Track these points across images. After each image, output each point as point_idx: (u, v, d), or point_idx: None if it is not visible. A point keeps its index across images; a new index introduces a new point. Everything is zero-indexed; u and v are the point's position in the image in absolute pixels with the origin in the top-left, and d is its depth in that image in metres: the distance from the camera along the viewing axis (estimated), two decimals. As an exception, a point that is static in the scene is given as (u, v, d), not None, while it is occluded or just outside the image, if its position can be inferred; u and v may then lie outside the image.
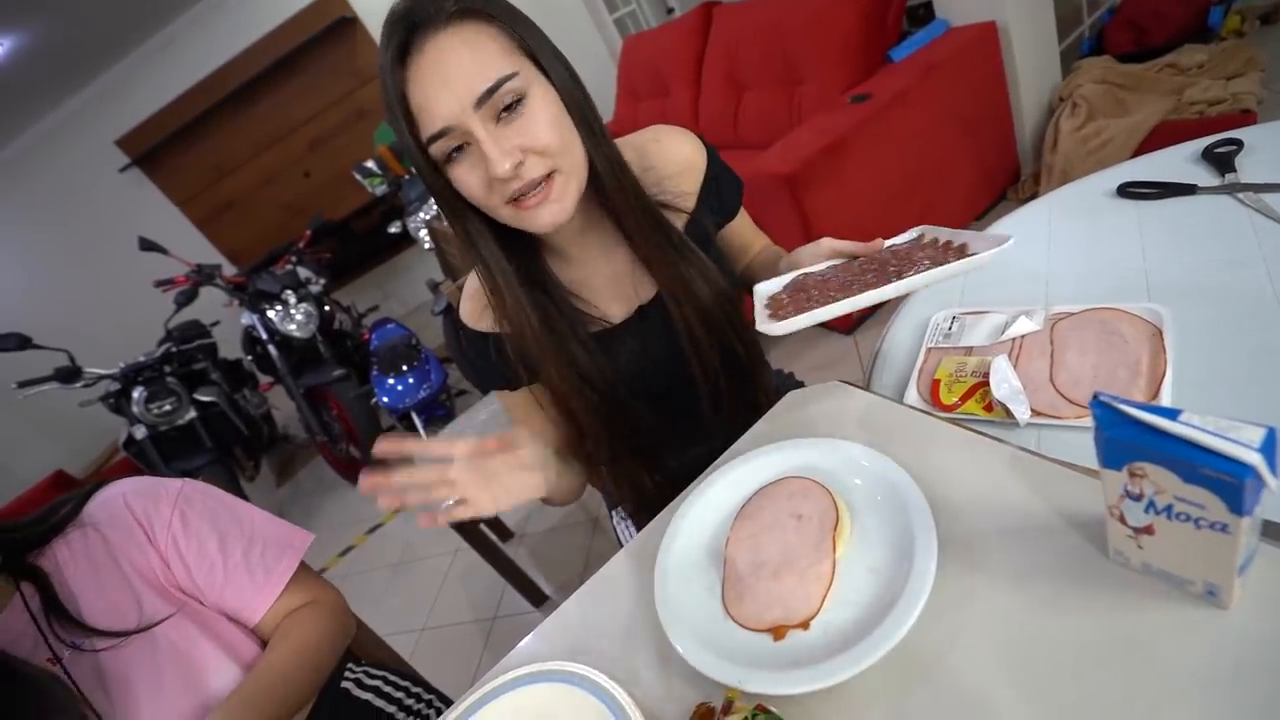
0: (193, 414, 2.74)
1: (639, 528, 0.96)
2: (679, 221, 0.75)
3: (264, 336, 2.71)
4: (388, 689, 0.88)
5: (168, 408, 2.69)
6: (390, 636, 2.09)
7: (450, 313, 0.81)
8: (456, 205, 0.63)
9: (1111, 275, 0.75)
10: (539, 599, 1.80)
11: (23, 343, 2.45)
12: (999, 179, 2.20)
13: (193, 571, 0.72)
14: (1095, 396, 0.37)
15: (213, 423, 2.84)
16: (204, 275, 2.67)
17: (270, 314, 2.70)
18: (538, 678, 0.56)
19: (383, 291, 4.62)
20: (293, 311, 2.71)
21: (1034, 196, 2.08)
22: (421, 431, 2.54)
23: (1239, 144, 0.81)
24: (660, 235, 0.71)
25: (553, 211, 0.61)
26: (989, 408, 0.67)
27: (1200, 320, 0.64)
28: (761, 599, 0.53)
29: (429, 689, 0.94)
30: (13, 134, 3.85)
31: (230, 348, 3.15)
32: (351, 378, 2.73)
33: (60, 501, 0.72)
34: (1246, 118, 1.71)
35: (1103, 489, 0.39)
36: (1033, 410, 0.64)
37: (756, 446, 0.65)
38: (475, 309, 0.74)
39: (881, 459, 0.56)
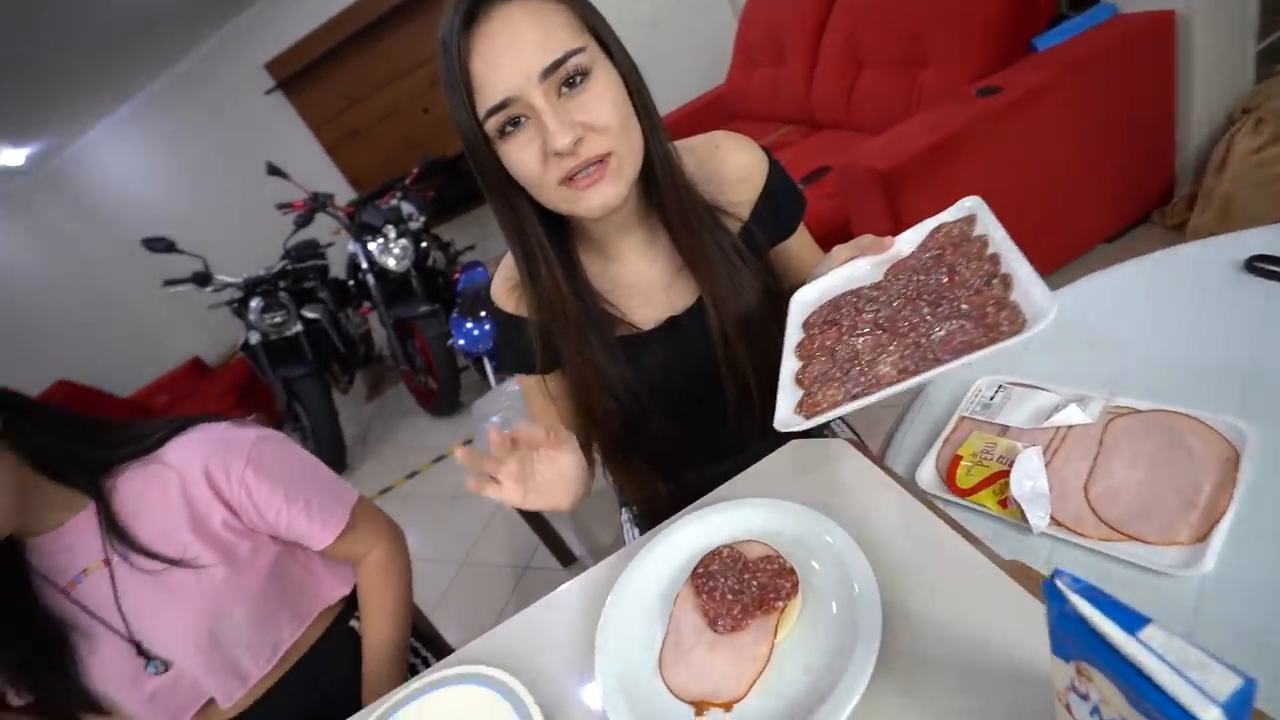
0: (299, 327, 3.01)
1: (644, 531, 0.97)
2: (732, 228, 0.72)
3: (364, 266, 2.91)
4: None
5: (278, 319, 2.96)
6: (433, 563, 2.26)
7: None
8: (504, 185, 0.62)
9: (1206, 371, 0.64)
10: (568, 559, 1.87)
11: (169, 246, 2.78)
12: (1145, 197, 1.91)
13: (263, 512, 0.80)
14: (1052, 576, 0.32)
15: (315, 337, 3.11)
16: (318, 203, 2.88)
17: (371, 246, 2.88)
18: (462, 679, 0.60)
19: (483, 230, 4.78)
20: (391, 246, 2.87)
21: (1183, 225, 1.81)
22: (491, 378, 2.66)
23: None
24: (709, 238, 0.68)
25: (605, 194, 0.59)
26: (1004, 503, 0.60)
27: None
28: (694, 668, 0.51)
29: (427, 644, 1.00)
30: (175, 58, 4.25)
31: (340, 269, 3.42)
32: (438, 314, 2.88)
33: (151, 429, 0.81)
34: None
35: (1053, 672, 0.34)
36: (1054, 519, 0.56)
37: (739, 493, 0.62)
38: (504, 289, 0.75)
39: (852, 549, 0.52)
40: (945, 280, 0.55)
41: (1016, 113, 1.64)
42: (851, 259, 0.64)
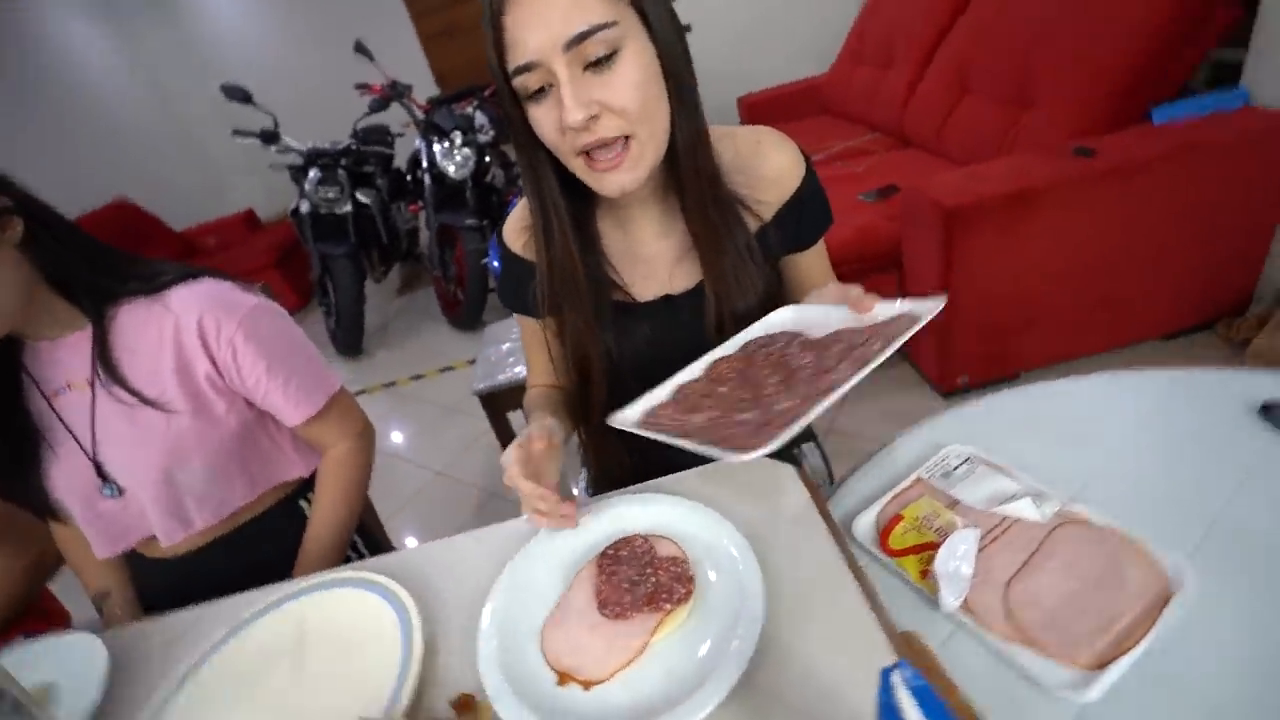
0: (349, 208, 3.07)
1: (593, 494, 0.98)
2: (750, 225, 0.71)
3: (424, 164, 2.93)
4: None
5: (331, 195, 3.01)
6: (412, 465, 2.34)
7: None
8: (528, 139, 0.62)
9: (1177, 503, 0.61)
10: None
11: (246, 97, 2.83)
12: (1216, 304, 1.80)
13: (244, 377, 0.83)
14: (894, 665, 0.32)
15: (362, 221, 3.16)
16: (396, 92, 2.89)
17: (436, 147, 2.89)
18: (363, 584, 0.64)
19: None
20: (455, 152, 2.88)
21: (1246, 342, 1.70)
22: (514, 305, 2.69)
23: None
24: (724, 228, 0.67)
25: (622, 181, 0.60)
26: (924, 574, 0.59)
27: (1238, 612, 0.51)
28: (571, 641, 0.53)
29: (369, 542, 1.05)
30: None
31: (403, 161, 3.44)
32: (483, 230, 2.90)
33: (162, 270, 0.83)
34: None
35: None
36: (966, 604, 0.56)
37: (687, 486, 0.63)
38: (515, 229, 0.76)
39: (754, 575, 0.52)
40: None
41: (1106, 182, 1.54)
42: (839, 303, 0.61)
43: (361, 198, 3.11)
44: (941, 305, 0.51)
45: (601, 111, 0.55)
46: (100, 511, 0.83)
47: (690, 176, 0.64)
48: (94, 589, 0.93)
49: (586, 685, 0.50)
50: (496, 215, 3.08)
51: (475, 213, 2.92)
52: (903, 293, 1.89)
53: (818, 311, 0.60)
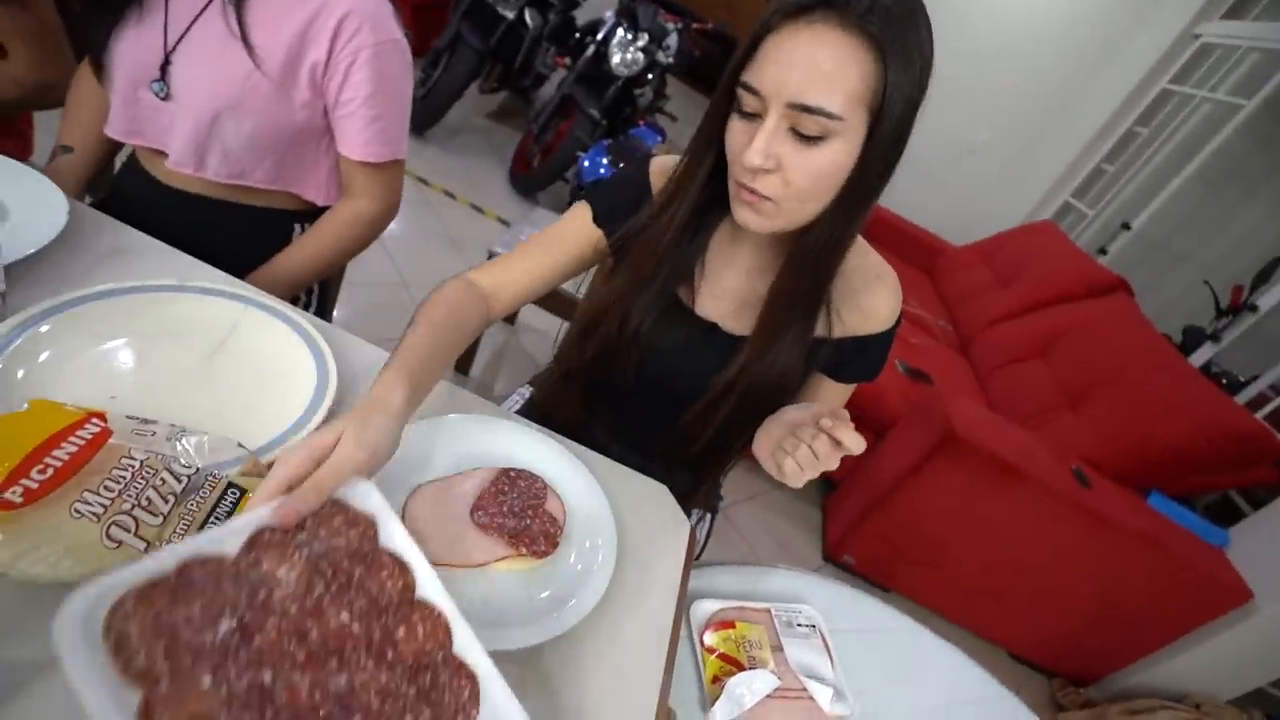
0: (511, 16, 2.98)
1: (524, 410, 1.01)
2: (818, 329, 0.72)
3: (597, 38, 2.87)
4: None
5: (507, -8, 2.93)
6: (386, 257, 2.31)
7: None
8: (715, 131, 0.63)
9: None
10: (465, 368, 1.93)
11: None
12: (1067, 665, 1.93)
13: (342, 90, 0.83)
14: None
15: (510, 34, 3.08)
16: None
17: (619, 32, 2.83)
18: (291, 324, 0.67)
19: (694, 121, 4.70)
20: (629, 51, 2.83)
21: (1063, 709, 1.83)
22: (573, 208, 2.68)
23: None
24: (800, 311, 0.69)
25: (749, 220, 0.62)
26: (715, 680, 0.64)
27: None
28: (432, 518, 0.56)
29: (323, 300, 1.06)
30: None
31: (583, 17, 3.36)
32: (597, 128, 2.87)
33: None
34: None
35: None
36: (731, 725, 0.61)
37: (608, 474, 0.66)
38: (662, 169, 0.76)
39: (602, 582, 0.56)
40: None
41: (1077, 513, 1.63)
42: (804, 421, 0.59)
43: (528, 17, 3.03)
44: None
45: (775, 169, 0.58)
46: (138, 98, 0.81)
47: (807, 265, 0.66)
48: (62, 140, 0.91)
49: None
50: (618, 125, 3.05)
51: (604, 110, 2.89)
52: (828, 477, 1.96)
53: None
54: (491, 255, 1.70)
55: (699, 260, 0.74)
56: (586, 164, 2.65)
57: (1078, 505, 1.62)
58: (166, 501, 0.43)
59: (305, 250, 0.93)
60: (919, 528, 1.78)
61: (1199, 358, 2.47)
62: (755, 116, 0.58)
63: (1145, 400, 1.89)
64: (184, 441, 0.48)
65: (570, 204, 2.76)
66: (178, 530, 0.43)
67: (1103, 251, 3.22)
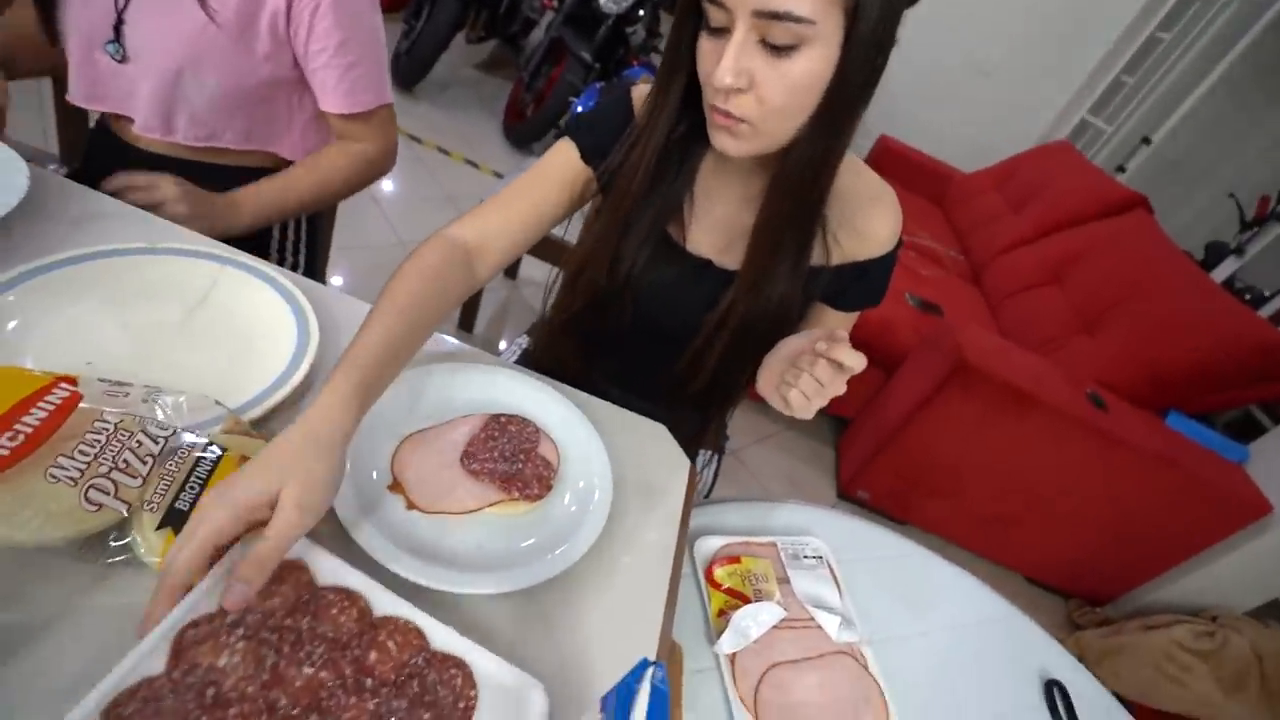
0: (495, -44, 2.84)
1: (521, 361, 1.00)
2: (815, 257, 0.69)
3: (585, -25, 2.73)
4: (290, 225, 0.99)
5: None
6: (380, 217, 2.28)
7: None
8: (684, 51, 0.58)
9: (940, 705, 0.68)
10: (469, 326, 1.92)
11: None
12: (1083, 585, 1.95)
13: (309, 41, 0.79)
14: (654, 661, 0.36)
15: (494, -22, 2.95)
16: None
17: (608, -32, 2.69)
18: (270, 282, 0.65)
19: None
20: (619, -12, 2.69)
21: (1079, 628, 1.86)
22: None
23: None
24: (794, 238, 0.65)
25: (724, 144, 0.58)
26: (720, 614, 0.64)
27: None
28: (421, 465, 0.55)
29: (310, 254, 1.04)
30: None
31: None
32: (589, 72, 2.76)
33: None
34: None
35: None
36: (733, 656, 0.61)
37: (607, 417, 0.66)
38: (643, 98, 0.69)
39: (598, 522, 0.56)
40: None
41: (1094, 437, 1.61)
42: (803, 349, 0.58)
43: (511, -43, 2.89)
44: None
45: (748, 88, 0.53)
46: (94, 61, 0.78)
47: (793, 186, 0.62)
48: None
49: (410, 505, 0.52)
50: (611, 67, 2.93)
51: (596, 51, 2.77)
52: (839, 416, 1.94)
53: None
54: (484, 209, 1.66)
55: (686, 195, 0.70)
56: (580, 110, 2.56)
57: (1094, 429, 1.60)
58: (145, 463, 0.43)
59: (293, 178, 0.88)
60: (932, 459, 1.77)
61: (1221, 273, 2.39)
62: (722, 31, 0.53)
63: (1163, 319, 1.84)
64: (160, 402, 0.47)
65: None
66: (158, 490, 0.42)
67: (1121, 169, 3.09)
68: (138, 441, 0.43)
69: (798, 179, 0.61)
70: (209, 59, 0.77)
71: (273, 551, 0.38)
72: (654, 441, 0.71)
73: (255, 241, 0.94)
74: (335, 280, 1.88)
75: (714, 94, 0.55)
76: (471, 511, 0.53)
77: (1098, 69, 3.15)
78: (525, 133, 2.95)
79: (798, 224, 0.65)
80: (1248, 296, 2.38)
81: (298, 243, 1.00)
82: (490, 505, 0.54)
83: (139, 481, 0.42)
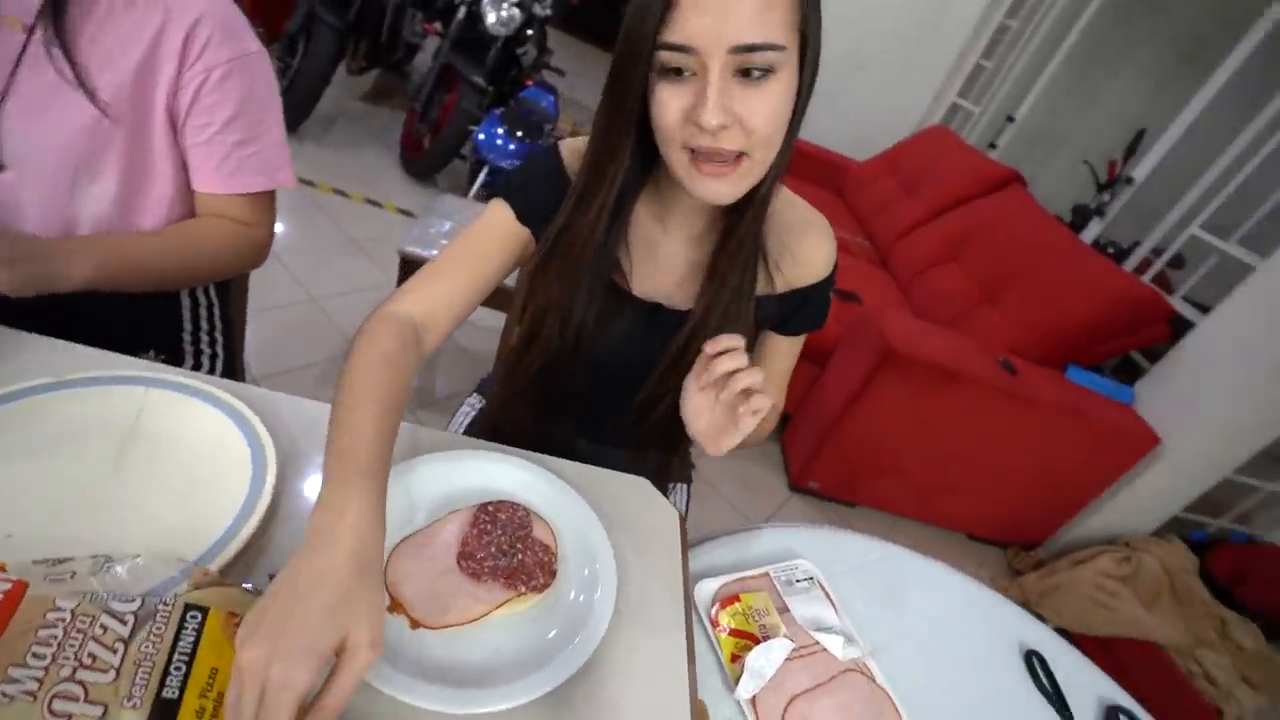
0: (368, -12, 2.72)
1: (471, 431, 0.96)
2: (760, 286, 0.71)
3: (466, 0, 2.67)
4: (203, 316, 0.90)
5: (356, -39, 2.66)
6: (287, 273, 2.14)
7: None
8: (629, 107, 0.57)
9: (939, 695, 0.72)
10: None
11: None
12: (1017, 533, 2.12)
13: (191, 116, 0.72)
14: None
15: (369, 7, 2.83)
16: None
17: (488, -10, 2.64)
18: (204, 397, 0.59)
19: (583, 72, 4.52)
20: (502, 8, 2.65)
21: (1020, 573, 2.02)
22: (475, 187, 2.55)
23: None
24: (743, 268, 0.67)
25: (720, 192, 0.57)
26: (734, 659, 0.65)
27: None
28: (416, 576, 0.52)
29: (228, 345, 0.95)
30: None
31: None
32: (484, 96, 2.70)
33: None
34: (1208, 717, 1.62)
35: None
36: (754, 699, 0.62)
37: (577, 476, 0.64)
38: (573, 152, 0.69)
39: (609, 598, 0.55)
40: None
41: (1007, 400, 1.75)
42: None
43: (385, -15, 2.78)
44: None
45: (733, 125, 0.53)
46: None
47: (751, 213, 0.63)
48: None
49: (414, 624, 0.49)
50: (506, 90, 2.88)
51: (488, 75, 2.71)
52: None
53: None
54: (404, 257, 1.59)
55: (622, 244, 0.69)
56: (482, 137, 2.50)
57: (1008, 393, 1.74)
58: (115, 651, 0.38)
59: (154, 241, 0.74)
60: (873, 442, 1.87)
61: (1089, 234, 2.66)
62: (679, 74, 0.53)
63: (1051, 283, 2.02)
64: (114, 571, 0.42)
65: (468, 181, 2.61)
66: (138, 680, 0.37)
67: (993, 145, 3.37)
68: (101, 627, 0.38)
69: (755, 211, 0.62)
70: (106, 160, 0.69)
71: (344, 700, 0.37)
72: (639, 495, 0.71)
73: (162, 337, 0.86)
74: (249, 348, 1.75)
75: (695, 137, 0.54)
76: (480, 619, 0.51)
77: (960, 56, 3.42)
78: (425, 165, 2.85)
79: (747, 254, 0.67)
80: (1111, 251, 2.66)
81: (212, 331, 0.92)
82: (498, 607, 0.51)
83: (112, 675, 0.37)
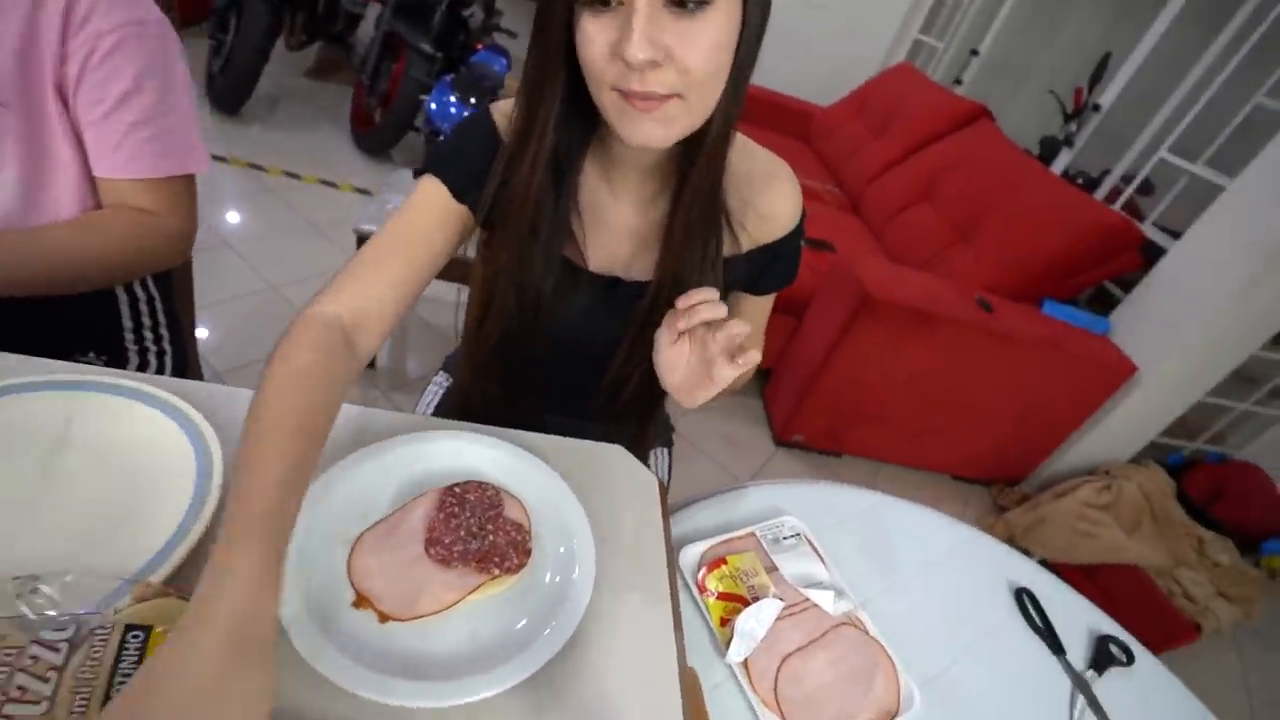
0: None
1: (439, 410, 0.93)
2: (725, 247, 0.66)
3: (406, -42, 2.52)
4: (144, 312, 0.85)
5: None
6: (243, 262, 2.06)
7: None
8: (554, 45, 0.52)
9: (932, 641, 0.72)
10: (372, 362, 1.78)
11: None
12: (1000, 470, 2.15)
13: (81, 92, 0.64)
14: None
15: (303, -25, 2.67)
16: None
17: (428, -54, 2.49)
18: (142, 397, 0.55)
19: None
20: (445, -37, 2.51)
21: (1005, 510, 2.06)
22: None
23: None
24: (702, 231, 0.62)
25: (651, 132, 0.52)
26: (724, 622, 0.64)
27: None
28: (382, 567, 0.50)
29: (176, 341, 0.90)
30: None
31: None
32: (434, 63, 2.57)
33: None
34: (1188, 632, 1.68)
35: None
36: (745, 661, 0.61)
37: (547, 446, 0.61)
38: (505, 113, 0.63)
39: (588, 575, 0.52)
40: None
41: (985, 338, 1.75)
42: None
43: (317, -51, 2.61)
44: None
45: (666, 61, 0.48)
46: None
47: (703, 168, 0.59)
48: None
49: (383, 618, 0.47)
50: (455, 55, 2.75)
51: (435, 40, 2.59)
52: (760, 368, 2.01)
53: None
54: (361, 236, 1.52)
55: (572, 212, 0.64)
56: (434, 107, 2.40)
57: (986, 331, 1.74)
58: (47, 680, 0.35)
59: (60, 234, 0.67)
60: (854, 391, 1.87)
61: (1059, 165, 2.64)
62: (608, 4, 0.47)
63: (1022, 218, 2.01)
64: (41, 594, 0.38)
65: (426, 151, 2.51)
66: (75, 708, 0.35)
67: (958, 81, 3.32)
68: (31, 657, 0.35)
69: (707, 160, 0.57)
70: (1, 147, 0.63)
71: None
72: (615, 464, 0.68)
73: (102, 338, 0.81)
74: (202, 332, 1.68)
75: (623, 77, 0.49)
76: (453, 605, 0.48)
77: (920, -10, 3.34)
78: (378, 140, 2.74)
79: (708, 215, 0.62)
80: (1081, 181, 2.65)
81: (156, 328, 0.87)
82: (471, 592, 0.49)
83: (45, 706, 0.34)
